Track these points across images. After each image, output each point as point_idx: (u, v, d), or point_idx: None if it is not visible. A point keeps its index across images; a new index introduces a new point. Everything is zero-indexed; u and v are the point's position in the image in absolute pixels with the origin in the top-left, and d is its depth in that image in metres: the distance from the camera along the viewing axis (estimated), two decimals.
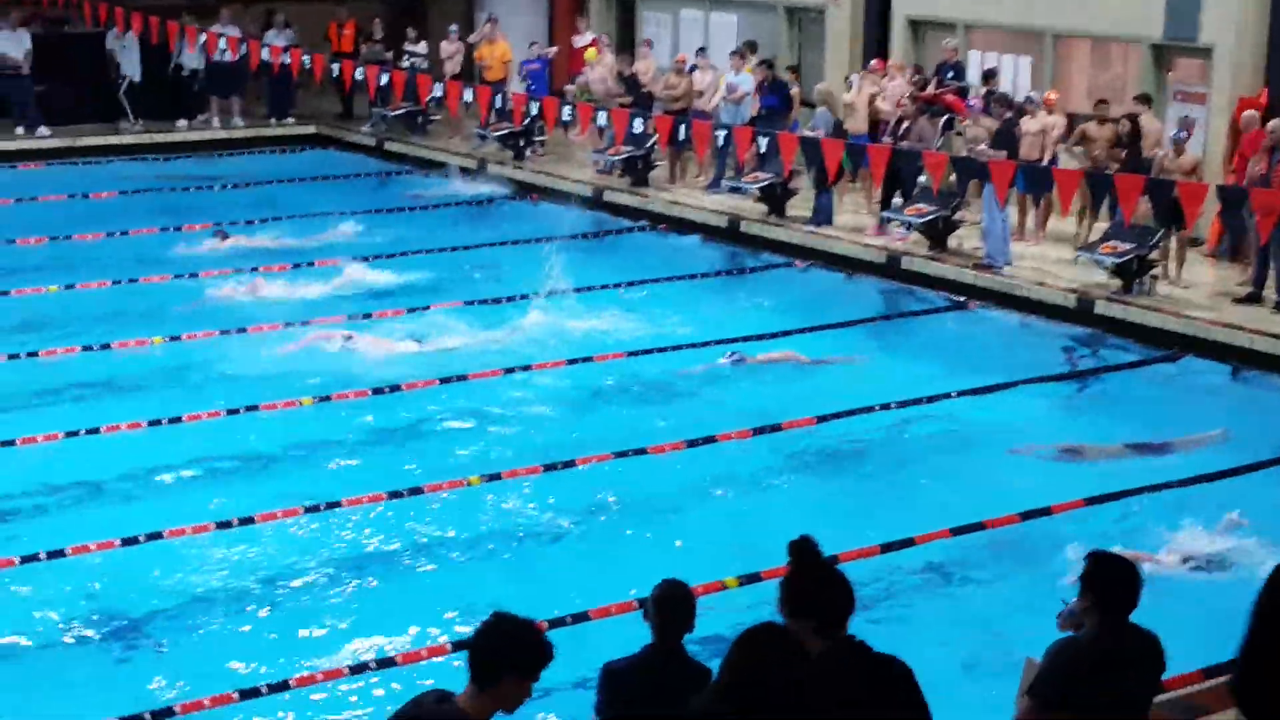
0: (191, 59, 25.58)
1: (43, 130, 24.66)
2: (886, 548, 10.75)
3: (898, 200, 19.47)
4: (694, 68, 22.89)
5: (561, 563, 10.85)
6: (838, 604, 5.41)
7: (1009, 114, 19.23)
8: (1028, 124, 18.98)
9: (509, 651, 5.09)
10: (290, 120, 26.80)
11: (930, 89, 21.01)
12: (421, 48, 26.48)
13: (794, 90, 21.85)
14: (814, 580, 5.53)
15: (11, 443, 12.44)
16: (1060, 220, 19.47)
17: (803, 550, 5.69)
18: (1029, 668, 6.36)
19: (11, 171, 23.47)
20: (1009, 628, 9.52)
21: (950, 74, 21.29)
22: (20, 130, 24.60)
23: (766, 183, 20.55)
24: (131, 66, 25.32)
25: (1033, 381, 14.91)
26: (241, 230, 20.04)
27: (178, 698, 8.67)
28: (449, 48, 25.86)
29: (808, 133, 20.36)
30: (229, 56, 25.19)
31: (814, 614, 5.34)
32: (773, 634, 5.09)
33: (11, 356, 14.71)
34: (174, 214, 20.87)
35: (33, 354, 14.80)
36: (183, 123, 25.85)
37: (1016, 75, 21.49)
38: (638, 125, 21.66)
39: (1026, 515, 11.33)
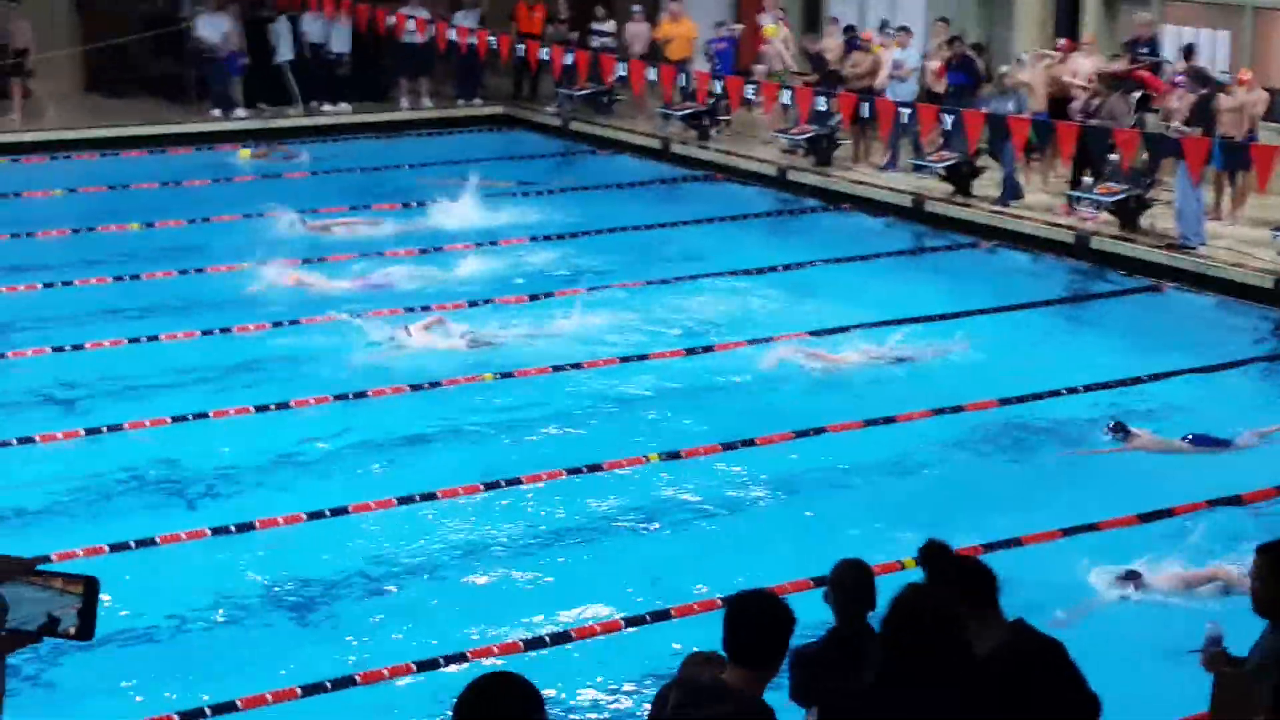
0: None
1: (239, 111, 25.23)
2: (1067, 532, 10.58)
3: (1088, 179, 19.07)
4: (854, 43, 22.64)
5: (748, 540, 10.82)
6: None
7: (1205, 90, 18.71)
8: (1225, 100, 18.44)
9: (779, 632, 5.11)
10: (478, 101, 27.06)
11: (1123, 64, 20.51)
12: (609, 27, 26.54)
13: (981, 67, 21.51)
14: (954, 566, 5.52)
15: (205, 415, 12.76)
16: (1258, 198, 18.89)
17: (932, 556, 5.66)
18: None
19: (209, 153, 24.01)
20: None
21: (1144, 49, 20.77)
22: (217, 112, 25.18)
23: (952, 161, 20.26)
24: (287, 49, 25.60)
25: (1228, 366, 14.52)
26: (426, 211, 20.26)
27: (355, 668, 8.83)
28: (634, 28, 25.89)
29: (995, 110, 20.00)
30: (417, 38, 25.49)
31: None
32: (924, 593, 5.05)
33: (206, 333, 15.05)
34: (361, 194, 21.15)
35: (226, 329, 15.12)
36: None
37: (1215, 50, 20.91)
38: (821, 104, 21.49)
39: (1213, 504, 11.07)
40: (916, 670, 4.81)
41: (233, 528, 10.64)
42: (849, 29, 23.45)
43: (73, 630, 2.58)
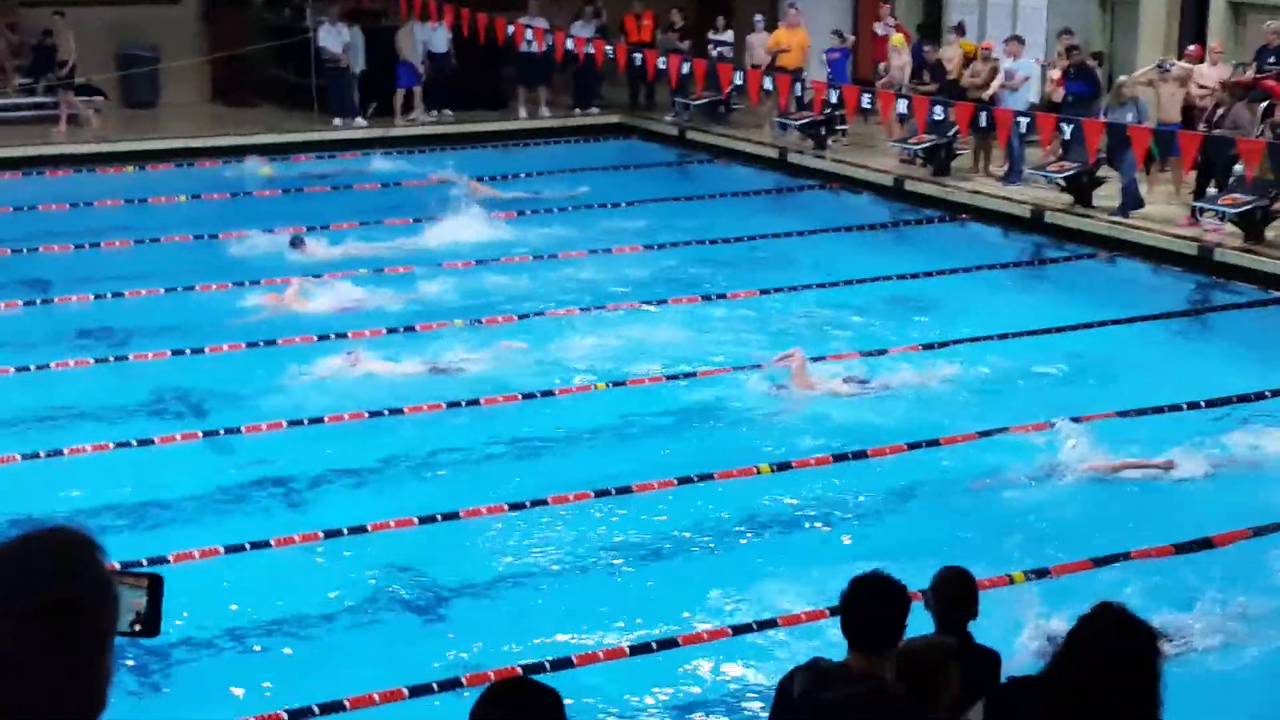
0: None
1: (359, 121, 25.54)
2: (1179, 549, 10.43)
3: (1212, 190, 18.76)
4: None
5: (864, 548, 10.77)
6: None
7: None
8: None
9: (896, 614, 5.12)
10: (595, 110, 27.18)
11: (1249, 73, 20.16)
12: (727, 36, 26.56)
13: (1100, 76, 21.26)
14: None
15: (320, 420, 12.91)
16: None
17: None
18: None
19: (331, 161, 24.31)
20: None
21: (1271, 59, 20.38)
22: (338, 121, 25.50)
23: (1072, 172, 20.03)
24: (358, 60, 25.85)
25: None
26: (542, 220, 20.37)
27: (462, 669, 8.90)
28: (754, 38, 25.86)
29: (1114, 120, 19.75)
30: (536, 47, 25.66)
31: None
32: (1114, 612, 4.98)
33: (322, 338, 15.22)
34: (480, 202, 21.29)
35: (341, 335, 15.28)
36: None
37: None
38: (939, 113, 21.33)
39: None
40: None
41: (344, 530, 10.75)
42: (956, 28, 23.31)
43: (138, 628, 2.62)
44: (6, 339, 15.03)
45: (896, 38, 24.25)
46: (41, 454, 12.03)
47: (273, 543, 10.53)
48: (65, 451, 12.05)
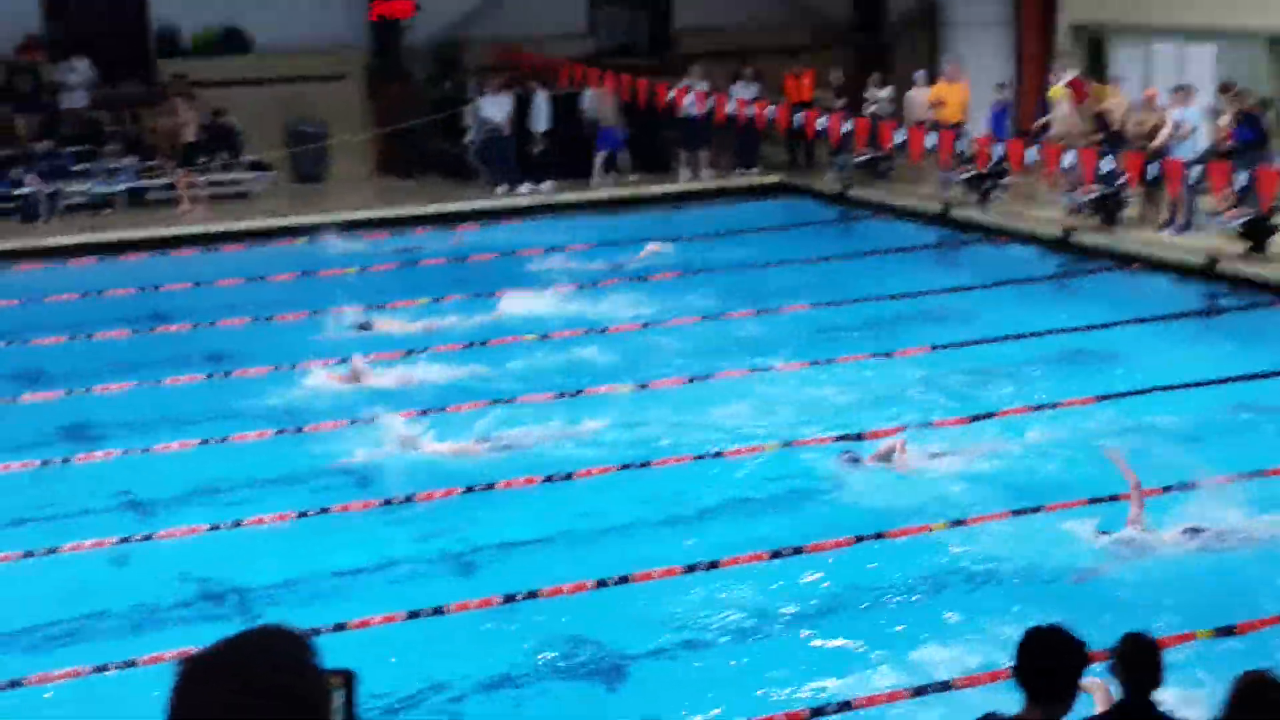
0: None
1: (522, 188, 25.86)
2: None
3: None
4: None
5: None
6: None
7: None
8: None
9: (1070, 667, 5.06)
10: (755, 170, 27.23)
11: None
12: (886, 93, 26.50)
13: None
14: None
15: (492, 486, 13.01)
16: None
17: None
18: None
19: (497, 228, 24.60)
20: None
21: None
22: (502, 189, 25.84)
23: (1247, 218, 19.61)
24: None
25: None
26: (706, 280, 20.42)
27: None
28: (914, 93, 25.75)
29: None
30: (695, 110, 25.79)
31: None
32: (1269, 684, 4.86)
33: (493, 402, 15.34)
34: (646, 264, 21.39)
35: (511, 399, 15.38)
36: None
37: None
38: (1106, 164, 21.03)
39: None
40: None
41: (519, 595, 10.81)
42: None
43: None
44: (187, 413, 15.34)
45: (1057, 89, 23.99)
46: (223, 525, 12.28)
47: (451, 608, 10.62)
48: (244, 522, 12.30)
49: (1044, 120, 23.97)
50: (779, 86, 26.86)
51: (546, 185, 25.99)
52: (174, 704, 2.37)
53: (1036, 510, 12.06)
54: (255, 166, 26.06)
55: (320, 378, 16.19)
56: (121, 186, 24.95)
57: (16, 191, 24.24)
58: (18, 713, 9.47)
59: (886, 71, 27.58)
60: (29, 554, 11.77)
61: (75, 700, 9.54)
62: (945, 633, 10.21)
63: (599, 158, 26.43)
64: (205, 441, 14.31)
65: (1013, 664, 5.33)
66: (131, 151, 25.65)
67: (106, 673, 9.74)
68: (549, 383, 15.94)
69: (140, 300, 20.13)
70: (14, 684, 9.64)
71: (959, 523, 11.91)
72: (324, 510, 12.54)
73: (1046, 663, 5.21)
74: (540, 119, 26.20)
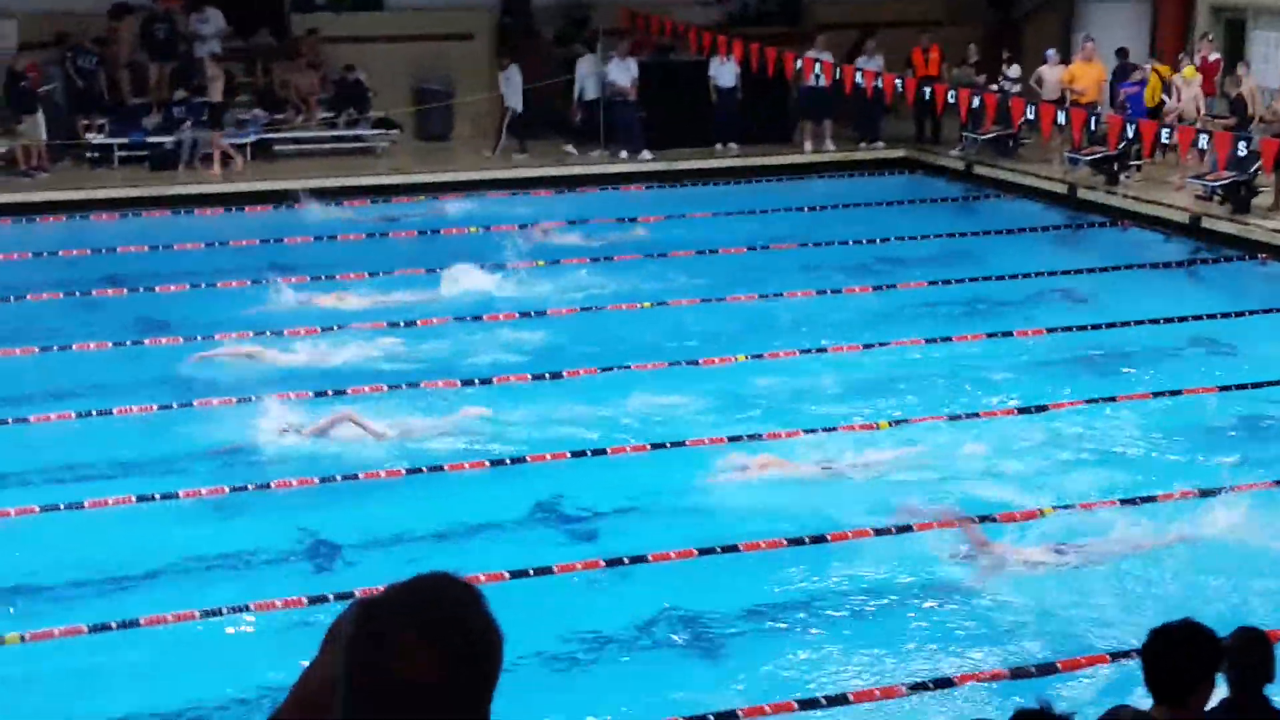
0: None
1: (645, 154, 25.83)
2: None
3: None
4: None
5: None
6: None
7: None
8: None
9: (1202, 663, 4.96)
10: (879, 144, 27.00)
11: None
12: (1014, 71, 26.16)
13: None
14: None
15: (603, 451, 13.07)
16: None
17: None
18: None
19: (616, 193, 24.62)
20: None
21: None
22: (624, 154, 25.84)
23: None
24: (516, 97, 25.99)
25: None
26: (823, 254, 20.30)
27: (740, 701, 8.91)
28: (1046, 70, 25.38)
29: None
30: (822, 81, 25.60)
31: None
32: None
33: (605, 369, 15.40)
34: (761, 235, 21.33)
35: (624, 367, 15.42)
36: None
37: None
38: (1240, 149, 20.61)
39: None
40: None
41: (625, 559, 10.86)
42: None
43: None
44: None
45: (1188, 70, 23.53)
46: (338, 478, 12.48)
47: (555, 569, 10.70)
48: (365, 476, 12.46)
49: (1170, 102, 23.52)
50: (905, 60, 26.59)
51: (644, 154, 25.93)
52: (353, 646, 2.33)
53: (1150, 499, 11.92)
54: (381, 124, 26.24)
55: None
56: (251, 137, 25.23)
57: (150, 139, 24.59)
58: None
59: (1015, 48, 27.20)
60: None
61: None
62: (1062, 610, 10.13)
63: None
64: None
65: (1143, 663, 5.17)
66: (261, 104, 25.96)
67: None
68: (662, 353, 15.97)
69: (262, 251, 20.45)
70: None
71: (1068, 506, 11.79)
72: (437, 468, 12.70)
73: (1176, 662, 5.05)
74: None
